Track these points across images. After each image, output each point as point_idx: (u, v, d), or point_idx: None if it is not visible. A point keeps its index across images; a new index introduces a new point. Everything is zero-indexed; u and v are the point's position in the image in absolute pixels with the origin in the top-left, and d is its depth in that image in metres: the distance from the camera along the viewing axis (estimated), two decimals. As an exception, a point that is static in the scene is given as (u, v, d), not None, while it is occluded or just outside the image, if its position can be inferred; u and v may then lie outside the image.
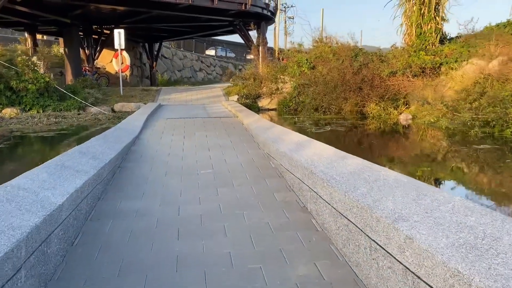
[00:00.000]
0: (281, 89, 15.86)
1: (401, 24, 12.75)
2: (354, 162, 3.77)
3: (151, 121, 9.92)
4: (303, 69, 14.39)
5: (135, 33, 26.12)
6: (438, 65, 11.40)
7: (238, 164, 5.69)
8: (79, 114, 12.54)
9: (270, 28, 32.43)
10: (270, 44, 25.51)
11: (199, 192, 4.45)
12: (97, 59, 23.54)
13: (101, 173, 4.38)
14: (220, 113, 11.61)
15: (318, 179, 3.53)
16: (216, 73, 40.87)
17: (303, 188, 4.09)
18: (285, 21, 42.73)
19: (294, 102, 14.73)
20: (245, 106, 14.18)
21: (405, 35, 12.59)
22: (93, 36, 23.17)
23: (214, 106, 13.86)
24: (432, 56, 11.45)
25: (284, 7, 42.84)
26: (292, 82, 15.53)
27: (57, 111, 13.05)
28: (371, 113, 11.63)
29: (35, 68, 13.24)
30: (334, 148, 4.54)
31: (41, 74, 13.38)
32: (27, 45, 23.08)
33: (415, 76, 11.35)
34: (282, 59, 19.85)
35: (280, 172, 5.14)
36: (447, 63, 11.32)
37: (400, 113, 11.23)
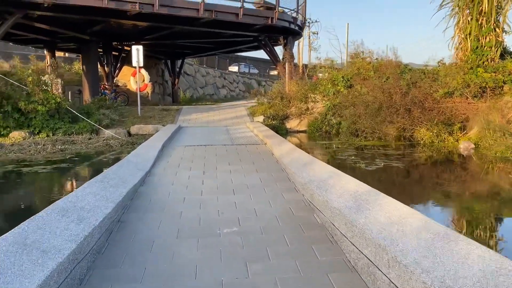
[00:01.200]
0: (312, 109, 14.53)
1: (453, 37, 11.30)
2: (473, 251, 2.37)
3: (167, 149, 8.72)
4: (339, 87, 13.06)
5: (157, 49, 25.41)
6: (500, 84, 9.88)
7: (273, 217, 4.35)
8: (90, 138, 11.48)
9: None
10: (295, 60, 24.26)
11: (222, 269, 3.14)
12: (116, 76, 22.79)
13: (86, 245, 3.12)
14: (245, 138, 10.34)
15: (412, 276, 2.17)
16: (239, 90, 39.97)
17: (377, 275, 2.73)
18: (309, 36, 41.69)
19: (326, 124, 13.37)
20: (271, 128, 12.93)
21: (457, 49, 11.14)
22: (113, 53, 22.49)
23: (238, 129, 12.63)
24: (493, 74, 9.94)
25: (308, 22, 41.80)
26: (324, 102, 14.19)
27: (68, 134, 12.06)
28: (422, 139, 10.13)
29: (46, 87, 12.32)
30: (419, 213, 3.16)
31: (52, 94, 12.46)
32: (46, 62, 22.53)
33: (475, 97, 9.86)
34: (312, 76, 18.57)
35: (331, 235, 3.79)
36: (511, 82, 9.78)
37: (457, 140, 9.72)
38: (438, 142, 9.92)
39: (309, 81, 15.67)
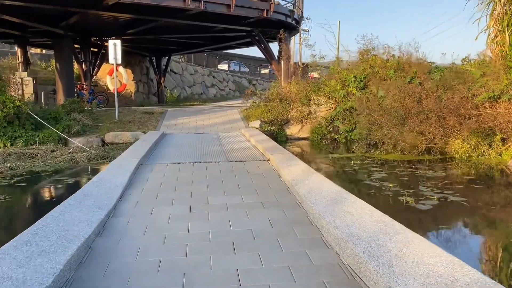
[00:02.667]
0: (315, 113, 12.83)
1: (486, 29, 9.67)
2: None
3: (144, 169, 6.91)
4: (350, 89, 11.35)
5: (141, 45, 23.51)
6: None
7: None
8: (52, 151, 9.58)
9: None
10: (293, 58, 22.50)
11: None
12: (95, 75, 20.82)
13: None
14: (241, 151, 8.57)
15: None
16: (229, 89, 38.29)
17: None
18: (300, 34, 40.02)
19: (332, 131, 11.68)
20: (269, 135, 11.23)
21: (491, 43, 9.53)
22: (92, 49, 20.52)
23: (231, 137, 10.85)
24: (545, 74, 8.34)
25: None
26: (328, 105, 12.49)
27: (31, 144, 10.18)
28: (456, 152, 8.45)
29: (2, 88, 10.39)
30: None
31: (11, 96, 10.54)
32: (17, 59, 20.47)
33: (522, 102, 8.23)
34: (305, 74, 16.89)
35: None
36: None
37: (500, 154, 8.07)
38: (477, 157, 8.26)
39: (311, 82, 13.92)
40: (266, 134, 11.63)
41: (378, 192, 6.27)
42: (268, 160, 7.41)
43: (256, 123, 12.86)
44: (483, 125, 8.15)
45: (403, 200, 5.76)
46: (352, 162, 8.40)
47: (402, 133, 8.59)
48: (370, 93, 10.79)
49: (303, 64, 20.29)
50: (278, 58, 19.32)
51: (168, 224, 4.26)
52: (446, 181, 6.84)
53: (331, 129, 12.39)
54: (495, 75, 8.58)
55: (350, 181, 7.30)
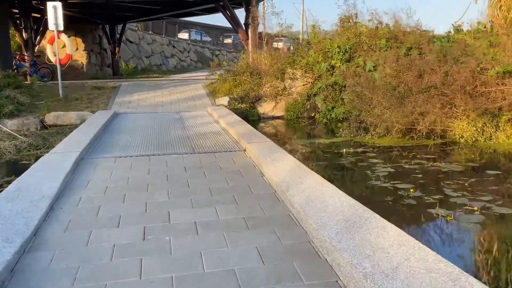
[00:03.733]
0: (290, 88, 11.54)
1: (487, -7, 8.62)
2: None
3: (85, 166, 5.42)
4: (334, 61, 10.06)
5: (92, 12, 21.18)
6: None
7: None
8: (-29, 139, 7.84)
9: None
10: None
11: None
12: (38, 44, 18.50)
13: None
14: (210, 137, 7.21)
15: None
16: (191, 60, 36.27)
17: None
18: (264, 1, 38.27)
19: (309, 108, 10.49)
20: (240, 114, 9.94)
21: (493, 9, 8.47)
22: (34, 14, 18.13)
23: (197, 119, 9.41)
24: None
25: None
26: (305, 79, 11.21)
27: (-51, 128, 8.37)
28: (461, 136, 7.41)
29: None
30: None
31: None
32: None
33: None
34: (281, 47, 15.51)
35: None
36: None
37: (510, 138, 7.13)
38: (485, 141, 7.27)
39: (284, 53, 12.52)
40: (236, 113, 10.29)
41: (398, 201, 4.99)
42: (245, 150, 6.10)
43: (224, 100, 11.45)
44: (493, 104, 7.14)
45: (436, 214, 4.54)
46: (344, 150, 7.19)
47: (401, 114, 7.46)
48: (357, 66, 9.59)
49: (268, 34, 18.85)
50: (246, 26, 17.80)
51: (111, 263, 2.91)
52: (472, 179, 5.65)
53: (308, 107, 11.18)
54: (504, 46, 7.54)
55: (352, 181, 6.06)
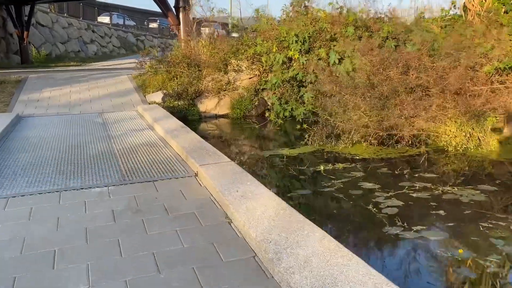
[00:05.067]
0: (234, 82, 10.06)
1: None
2: None
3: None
4: (291, 53, 8.66)
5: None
6: None
7: None
8: None
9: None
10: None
11: None
12: None
13: None
14: (146, 156, 5.51)
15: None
16: (113, 46, 33.33)
17: None
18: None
19: (261, 105, 9.10)
20: (177, 113, 8.41)
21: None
22: None
23: (125, 123, 7.60)
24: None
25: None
26: (252, 71, 9.78)
27: None
28: (449, 143, 6.36)
29: None
30: None
31: None
32: None
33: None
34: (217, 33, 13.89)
35: None
36: None
37: (502, 144, 6.22)
38: (476, 148, 6.30)
39: (226, 40, 10.94)
40: (173, 113, 8.65)
41: (455, 277, 3.53)
42: (196, 175, 4.54)
43: (157, 96, 9.70)
44: (487, 105, 6.19)
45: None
46: (322, 168, 5.83)
47: (383, 119, 6.27)
48: (319, 59, 8.31)
49: (197, 19, 17.26)
50: (177, 9, 15.97)
51: None
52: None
53: (256, 103, 9.80)
54: (488, 37, 6.59)
55: (360, 229, 4.47)
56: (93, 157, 5.27)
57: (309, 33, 8.46)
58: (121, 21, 38.24)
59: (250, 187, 3.86)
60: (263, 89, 9.86)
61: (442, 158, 6.34)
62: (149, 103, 9.46)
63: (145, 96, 10.02)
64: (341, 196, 5.06)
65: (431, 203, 4.75)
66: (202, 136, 6.64)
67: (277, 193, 4.21)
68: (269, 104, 9.94)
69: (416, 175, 5.58)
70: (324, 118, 6.78)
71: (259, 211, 3.33)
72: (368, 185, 5.28)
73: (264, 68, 9.60)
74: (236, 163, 4.73)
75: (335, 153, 6.64)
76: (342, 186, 5.33)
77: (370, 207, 4.69)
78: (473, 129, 6.19)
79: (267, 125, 8.96)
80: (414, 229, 4.18)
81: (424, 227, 4.21)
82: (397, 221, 4.35)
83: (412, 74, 6.43)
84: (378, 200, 4.85)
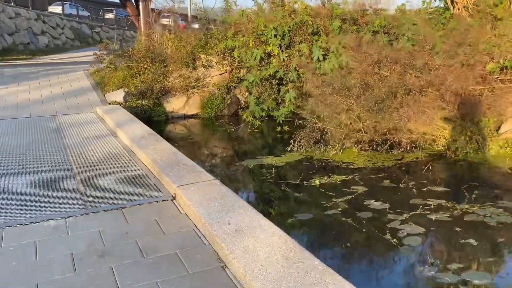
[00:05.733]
0: (204, 78, 9.27)
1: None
2: None
3: None
4: (270, 48, 7.92)
5: None
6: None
7: None
8: None
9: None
10: None
11: None
12: None
13: None
14: (111, 172, 4.69)
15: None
16: (66, 38, 31.49)
17: None
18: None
19: (234, 103, 8.39)
20: (141, 113, 7.62)
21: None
22: None
23: (84, 129, 6.67)
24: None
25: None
26: (222, 67, 9.03)
27: None
28: (447, 148, 5.84)
29: None
30: None
31: None
32: None
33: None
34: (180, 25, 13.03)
35: None
36: None
37: (505, 147, 5.80)
38: (477, 152, 5.84)
39: (194, 33, 10.07)
40: (136, 114, 7.85)
41: None
42: (174, 198, 3.80)
43: (118, 95, 8.78)
44: (491, 107, 5.73)
45: None
46: (317, 182, 5.17)
47: (381, 122, 5.69)
48: (301, 55, 7.64)
49: (157, 9, 16.37)
50: (136, -1, 14.95)
51: None
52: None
53: (228, 102, 9.07)
54: (482, 33, 6.13)
55: (379, 267, 3.71)
56: (46, 176, 4.40)
57: (289, 27, 7.78)
58: (74, 11, 36.35)
59: (244, 217, 3.17)
60: (235, 86, 9.14)
61: (444, 166, 5.81)
62: (110, 103, 8.53)
63: (104, 95, 9.05)
64: (350, 221, 4.32)
65: (456, 228, 4.12)
66: (170, 140, 5.89)
67: (274, 220, 3.55)
68: (243, 102, 9.24)
69: (424, 188, 5.01)
70: (312, 122, 6.14)
71: (262, 254, 2.65)
72: (376, 204, 4.62)
73: (237, 63, 8.87)
74: (219, 180, 4.02)
75: (326, 162, 5.98)
76: (346, 206, 4.63)
77: (388, 236, 3.99)
78: (471, 132, 5.76)
79: (242, 127, 8.25)
80: (452, 269, 3.50)
81: (462, 265, 3.56)
82: (426, 257, 3.69)
83: (411, 74, 5.91)
84: (394, 226, 4.18)
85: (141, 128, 6.16)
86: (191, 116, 9.09)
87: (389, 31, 7.26)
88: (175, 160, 4.56)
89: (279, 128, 7.47)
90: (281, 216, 4.57)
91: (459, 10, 7.43)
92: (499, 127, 5.94)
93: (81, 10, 37.90)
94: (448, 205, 4.56)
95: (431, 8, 8.10)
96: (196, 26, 19.14)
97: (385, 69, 5.99)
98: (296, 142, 6.07)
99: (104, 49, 10.05)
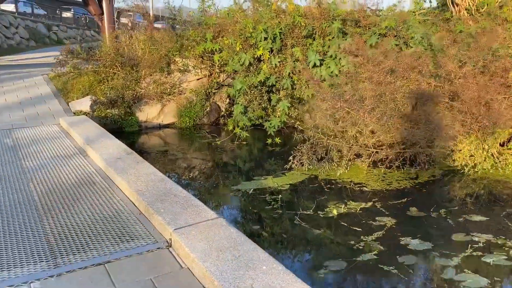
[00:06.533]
0: (180, 84, 8.44)
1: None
2: None
3: None
4: (259, 52, 7.11)
5: None
6: None
7: None
8: None
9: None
10: None
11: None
12: None
13: None
14: (85, 209, 3.85)
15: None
16: (21, 37, 29.64)
17: None
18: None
19: (214, 111, 7.64)
20: (110, 124, 6.77)
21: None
22: None
23: (46, 146, 5.72)
24: None
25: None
26: (200, 72, 8.25)
27: None
28: (464, 161, 5.24)
29: None
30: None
31: None
32: None
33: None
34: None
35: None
36: None
37: None
38: (495, 168, 5.29)
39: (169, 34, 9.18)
40: (105, 124, 6.99)
41: None
42: (170, 245, 3.03)
43: (84, 104, 7.82)
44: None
45: None
46: (335, 211, 4.45)
47: (402, 137, 5.05)
48: (296, 60, 6.93)
49: (117, 8, 15.36)
50: (97, -5, 13.94)
51: None
52: None
53: (208, 109, 8.29)
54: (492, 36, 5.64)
55: None
56: (1, 216, 3.52)
57: (281, 29, 7.04)
58: (29, 10, 34.46)
59: (271, 276, 2.45)
60: (215, 92, 8.37)
61: (467, 186, 5.19)
62: (75, 113, 7.56)
63: (68, 104, 8.05)
64: (394, 271, 3.49)
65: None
66: (144, 155, 5.07)
67: (301, 271, 2.85)
68: (223, 110, 8.48)
69: (460, 218, 4.37)
70: (317, 137, 5.42)
71: None
72: (415, 243, 3.88)
73: (218, 67, 8.09)
74: (223, 218, 3.27)
75: (334, 182, 5.27)
76: (381, 247, 3.84)
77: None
78: (489, 146, 5.25)
79: (225, 137, 7.47)
80: None
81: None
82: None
83: (431, 83, 5.32)
84: (451, 277, 3.43)
85: (115, 145, 5.30)
86: (167, 126, 8.23)
87: (398, 33, 6.66)
88: (163, 189, 3.77)
89: (270, 141, 6.74)
90: (308, 265, 3.74)
91: (459, 12, 6.99)
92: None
93: (36, 8, 36.09)
94: (499, 242, 3.91)
95: (423, 9, 7.63)
96: (159, 25, 18.15)
97: (400, 77, 5.39)
98: (296, 159, 5.37)
99: (67, 52, 9.01)
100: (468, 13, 6.87)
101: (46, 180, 4.32)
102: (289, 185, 5.18)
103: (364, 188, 5.06)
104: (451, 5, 7.19)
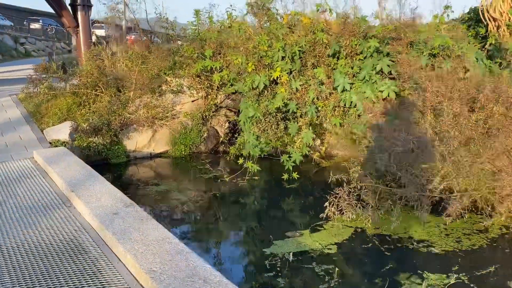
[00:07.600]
0: (173, 106, 7.41)
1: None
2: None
3: None
4: (276, 73, 6.04)
5: None
6: None
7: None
8: None
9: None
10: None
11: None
12: None
13: None
14: None
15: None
16: (-15, 51, 27.97)
17: None
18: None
19: (212, 136, 6.67)
20: (94, 155, 5.71)
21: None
22: None
23: (17, 192, 4.57)
24: None
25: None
26: (198, 92, 7.26)
27: None
28: None
29: None
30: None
31: None
32: None
33: None
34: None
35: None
36: None
37: None
38: None
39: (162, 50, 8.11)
40: (87, 156, 5.92)
41: None
42: None
43: (62, 131, 6.67)
44: None
45: None
46: None
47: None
48: (322, 84, 5.98)
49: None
50: (73, 8, 12.84)
51: None
52: None
53: (205, 135, 7.30)
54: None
55: None
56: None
57: (301, 46, 6.06)
58: (-6, 21, 32.88)
59: None
60: (212, 116, 7.39)
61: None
62: (51, 143, 6.39)
63: (42, 132, 6.87)
64: None
65: None
66: (130, 195, 4.02)
67: None
68: (222, 135, 7.49)
69: None
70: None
71: None
72: None
73: (215, 88, 7.11)
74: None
75: (390, 240, 4.26)
76: None
77: None
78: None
79: (226, 167, 6.45)
80: None
81: None
82: None
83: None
84: None
85: (108, 192, 4.22)
86: (159, 155, 7.16)
87: (451, 54, 5.81)
88: (185, 269, 2.74)
89: (286, 176, 5.77)
90: None
91: (497, 28, 6.27)
92: None
93: (2, 19, 34.50)
94: None
95: (445, 25, 6.90)
96: (133, 37, 17.03)
97: (485, 109, 4.48)
98: (333, 205, 4.40)
99: (42, 70, 7.81)
100: (508, 29, 6.15)
101: (21, 251, 3.22)
102: (335, 245, 4.14)
103: (432, 248, 4.08)
104: (487, 20, 6.47)
